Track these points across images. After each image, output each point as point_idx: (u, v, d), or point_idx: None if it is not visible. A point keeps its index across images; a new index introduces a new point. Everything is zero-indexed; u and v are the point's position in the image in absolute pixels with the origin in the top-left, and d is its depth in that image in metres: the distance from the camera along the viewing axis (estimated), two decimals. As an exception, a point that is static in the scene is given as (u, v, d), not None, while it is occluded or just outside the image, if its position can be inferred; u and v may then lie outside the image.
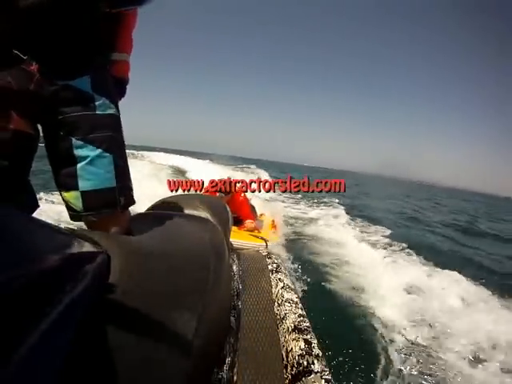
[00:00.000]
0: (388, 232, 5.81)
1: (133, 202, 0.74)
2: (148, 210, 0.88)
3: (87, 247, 0.33)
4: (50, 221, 0.31)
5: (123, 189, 0.72)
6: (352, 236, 5.06)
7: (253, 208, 4.24)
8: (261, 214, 4.64)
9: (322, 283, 3.10)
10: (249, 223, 3.46)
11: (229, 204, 3.48)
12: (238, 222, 3.54)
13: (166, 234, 0.60)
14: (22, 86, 0.63)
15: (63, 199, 0.73)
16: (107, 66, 0.78)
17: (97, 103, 0.70)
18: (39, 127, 0.71)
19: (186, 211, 0.77)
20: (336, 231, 5.33)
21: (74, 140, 0.68)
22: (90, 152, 0.68)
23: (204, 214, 0.75)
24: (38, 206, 0.72)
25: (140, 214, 0.72)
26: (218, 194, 3.42)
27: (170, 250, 0.52)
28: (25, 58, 0.62)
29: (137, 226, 0.61)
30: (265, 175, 13.39)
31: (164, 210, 0.81)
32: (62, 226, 0.38)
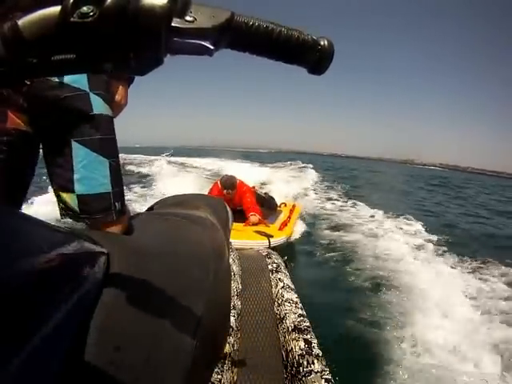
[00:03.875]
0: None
1: (125, 208, 0.73)
2: (148, 209, 0.88)
3: (87, 247, 0.33)
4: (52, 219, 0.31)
5: (118, 194, 0.71)
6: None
7: (270, 199, 4.07)
8: (281, 204, 4.35)
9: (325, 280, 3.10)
10: (252, 216, 3.34)
11: (234, 198, 3.46)
12: (243, 214, 3.45)
13: (165, 233, 0.60)
14: (17, 87, 0.62)
15: (59, 199, 0.72)
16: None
17: (93, 102, 0.68)
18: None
19: (186, 211, 0.77)
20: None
21: (72, 141, 0.67)
22: (86, 155, 0.67)
23: (204, 213, 0.75)
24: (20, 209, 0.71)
25: (140, 214, 0.72)
26: (225, 192, 3.38)
27: (170, 249, 0.52)
28: (28, 83, 0.61)
29: (137, 226, 0.61)
30: (312, 174, 11.76)
31: (164, 210, 0.80)
32: (63, 225, 0.38)
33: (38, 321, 0.21)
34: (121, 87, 0.81)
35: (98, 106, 0.69)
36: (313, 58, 0.27)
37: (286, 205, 4.39)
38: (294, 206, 4.21)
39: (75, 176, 0.67)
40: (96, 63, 0.22)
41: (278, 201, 4.36)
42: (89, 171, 0.68)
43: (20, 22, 0.20)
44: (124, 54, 0.22)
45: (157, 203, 0.92)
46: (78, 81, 0.67)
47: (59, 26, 0.20)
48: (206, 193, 3.64)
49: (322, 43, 0.27)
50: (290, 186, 7.85)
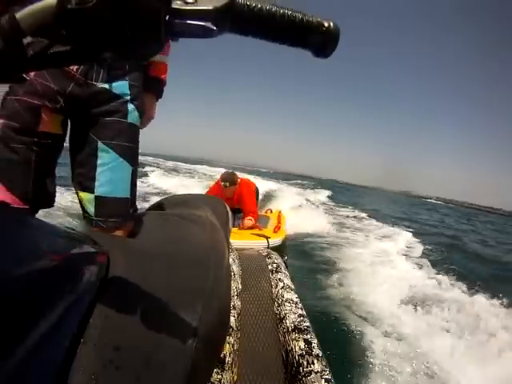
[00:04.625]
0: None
1: (135, 214, 0.75)
2: (148, 209, 0.88)
3: (87, 247, 0.33)
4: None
5: (133, 201, 0.73)
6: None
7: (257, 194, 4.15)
8: (268, 210, 4.58)
9: (323, 282, 3.10)
10: (247, 221, 3.38)
11: (233, 195, 3.48)
12: (240, 213, 3.52)
13: (165, 234, 0.60)
14: (61, 87, 0.63)
15: (78, 198, 0.73)
16: (143, 68, 0.77)
17: (129, 111, 0.70)
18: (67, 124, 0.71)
19: (186, 211, 0.77)
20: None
21: (99, 143, 0.68)
22: (112, 159, 0.69)
23: (204, 213, 0.75)
24: (52, 206, 0.72)
25: (140, 214, 0.72)
26: (222, 184, 3.35)
27: (170, 249, 0.52)
28: (28, 78, 0.61)
29: (137, 226, 0.61)
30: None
31: (164, 210, 0.81)
32: (64, 226, 0.38)
33: (38, 320, 0.21)
34: (150, 100, 0.83)
35: (132, 115, 0.71)
36: (318, 40, 0.26)
37: (271, 211, 4.61)
38: (280, 213, 4.37)
39: (98, 177, 0.69)
40: (95, 52, 0.22)
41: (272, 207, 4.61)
42: (114, 174, 0.70)
43: (18, 15, 0.20)
44: (124, 39, 0.21)
45: (157, 203, 0.92)
46: (121, 89, 0.69)
47: (57, 15, 0.20)
48: (209, 189, 3.67)
49: (326, 25, 0.26)
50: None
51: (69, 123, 0.71)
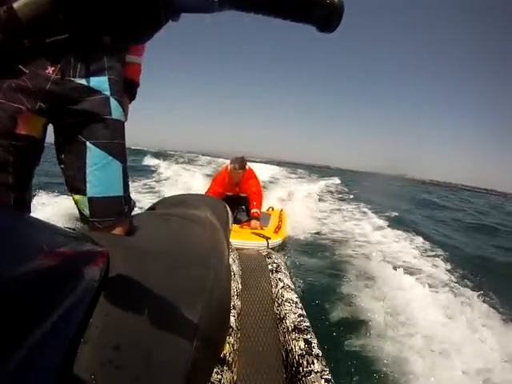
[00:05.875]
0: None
1: (132, 210, 0.74)
2: (148, 209, 0.88)
3: (87, 247, 0.33)
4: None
5: (128, 198, 0.72)
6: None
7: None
8: (269, 208, 4.53)
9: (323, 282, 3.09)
10: (254, 222, 3.35)
11: (240, 181, 3.45)
12: (248, 204, 3.49)
13: (165, 233, 0.60)
14: (39, 87, 0.62)
15: (74, 201, 0.72)
16: (123, 67, 0.76)
17: (112, 107, 0.69)
18: (48, 128, 0.70)
19: (186, 211, 0.77)
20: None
21: (86, 142, 0.67)
22: (100, 158, 0.67)
23: (204, 213, 0.75)
24: (29, 212, 0.72)
25: (140, 214, 0.72)
26: (231, 166, 3.30)
27: (170, 249, 0.52)
28: (26, 72, 0.61)
29: (137, 226, 0.61)
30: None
31: (164, 210, 0.81)
32: (64, 226, 0.38)
33: (39, 319, 0.21)
34: (124, 103, 0.82)
35: (116, 111, 0.70)
36: (322, 14, 0.26)
37: (273, 209, 4.56)
38: (281, 211, 4.35)
39: (88, 178, 0.68)
40: (94, 37, 0.21)
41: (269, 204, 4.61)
42: (104, 174, 0.68)
43: (15, 5, 0.20)
44: (123, 20, 0.21)
45: (157, 203, 0.92)
46: (100, 85, 0.68)
47: (54, 2, 0.20)
48: (217, 173, 3.65)
49: None
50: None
51: (50, 127, 0.70)
